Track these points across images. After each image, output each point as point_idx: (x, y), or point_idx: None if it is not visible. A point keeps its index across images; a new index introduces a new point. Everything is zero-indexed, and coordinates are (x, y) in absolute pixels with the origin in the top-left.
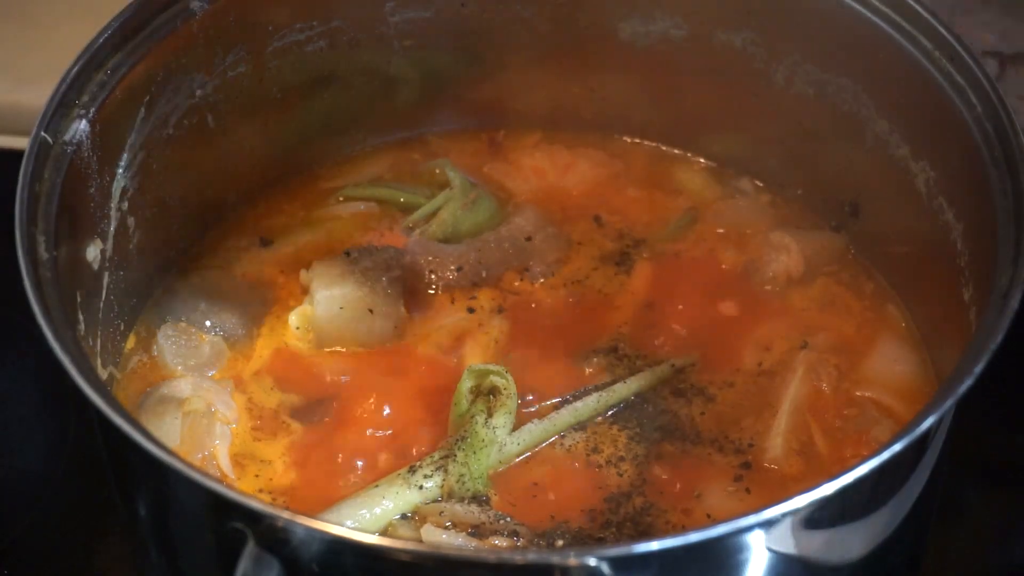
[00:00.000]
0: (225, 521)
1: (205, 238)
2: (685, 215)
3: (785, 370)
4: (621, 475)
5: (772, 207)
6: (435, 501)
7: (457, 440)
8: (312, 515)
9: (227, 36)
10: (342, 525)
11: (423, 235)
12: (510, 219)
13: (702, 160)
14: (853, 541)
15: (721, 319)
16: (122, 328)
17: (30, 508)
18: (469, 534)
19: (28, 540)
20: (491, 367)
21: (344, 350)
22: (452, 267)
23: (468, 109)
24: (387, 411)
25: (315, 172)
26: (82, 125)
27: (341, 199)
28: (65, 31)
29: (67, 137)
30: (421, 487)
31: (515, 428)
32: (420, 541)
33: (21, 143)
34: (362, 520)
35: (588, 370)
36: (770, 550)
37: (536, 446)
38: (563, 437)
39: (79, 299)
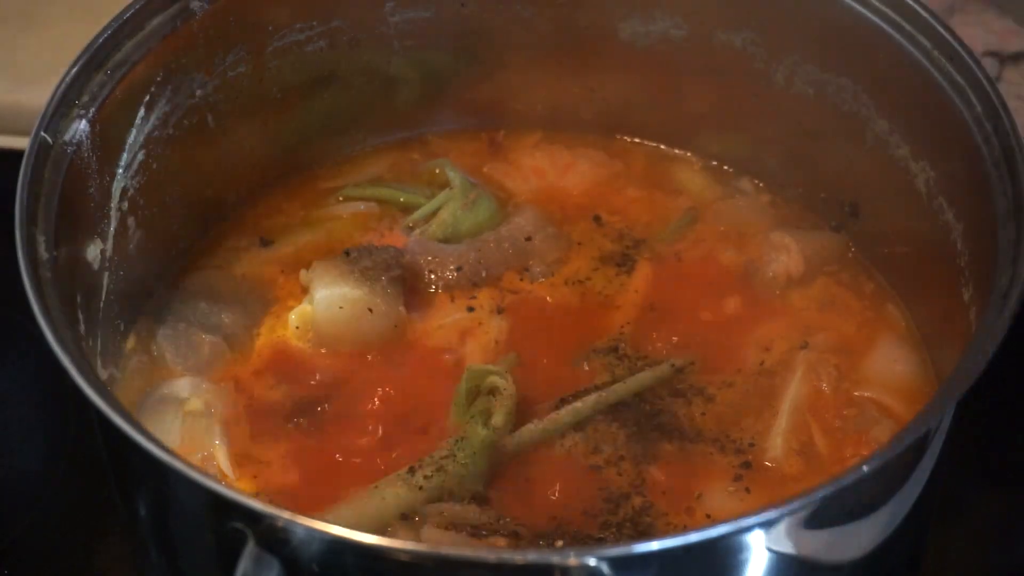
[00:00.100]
0: (225, 521)
1: (205, 238)
2: (685, 215)
3: (785, 370)
4: (621, 475)
5: (772, 207)
6: (435, 501)
7: (457, 440)
8: (312, 515)
9: (227, 36)
10: (342, 525)
11: (423, 235)
12: (510, 219)
13: (702, 160)
14: (853, 541)
15: (721, 319)
16: (122, 328)
17: (30, 508)
18: (469, 534)
19: (28, 540)
20: (491, 367)
21: (344, 350)
22: (452, 267)
23: (468, 109)
24: (386, 411)
25: (315, 172)
26: (82, 125)
27: (341, 199)
28: (65, 31)
29: (67, 137)
30: (421, 487)
31: (515, 428)
32: (420, 541)
33: (21, 143)
34: (362, 520)
35: (588, 370)
36: (770, 550)
37: (536, 446)
38: (563, 437)
39: (79, 299)
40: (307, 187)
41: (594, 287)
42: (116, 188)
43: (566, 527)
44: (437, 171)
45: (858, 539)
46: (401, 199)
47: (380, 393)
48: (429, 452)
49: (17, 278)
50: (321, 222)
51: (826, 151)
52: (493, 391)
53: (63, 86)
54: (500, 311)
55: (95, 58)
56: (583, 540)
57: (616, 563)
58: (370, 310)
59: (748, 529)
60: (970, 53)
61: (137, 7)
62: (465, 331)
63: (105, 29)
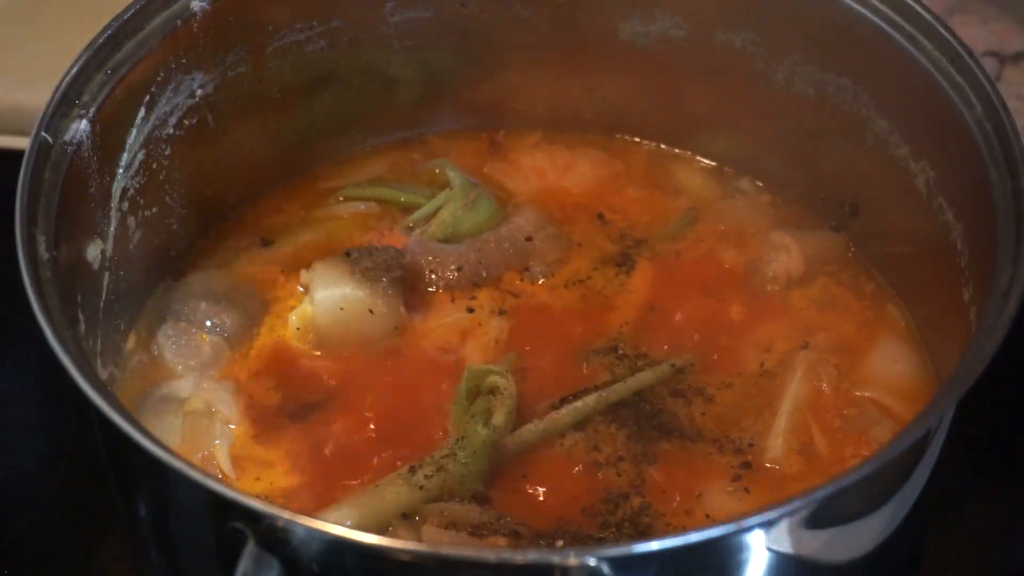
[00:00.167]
0: (225, 521)
1: (205, 238)
2: (685, 215)
3: (785, 370)
4: (621, 475)
5: (772, 207)
6: (435, 501)
7: (457, 440)
8: (312, 515)
9: (227, 36)
10: (342, 525)
11: (423, 235)
12: (510, 219)
13: (702, 160)
14: (853, 541)
15: (721, 319)
16: (122, 328)
17: (30, 508)
18: (469, 534)
19: (28, 540)
20: (491, 367)
21: (344, 350)
22: (452, 267)
23: (468, 109)
24: (386, 411)
25: (315, 172)
26: (82, 125)
27: (341, 199)
28: (65, 31)
29: (67, 137)
30: (421, 487)
31: (515, 428)
32: (420, 541)
33: (21, 143)
34: (362, 520)
35: (588, 370)
36: (770, 550)
37: (536, 446)
38: (563, 437)
39: (79, 299)
40: (307, 187)
41: (594, 287)
42: (116, 188)
43: (566, 527)
44: (437, 171)
45: (858, 539)
46: (401, 199)
47: (380, 393)
48: (429, 452)
49: (17, 278)
50: (321, 222)
51: (826, 151)
52: (493, 391)
53: (63, 86)
54: (500, 311)
55: (95, 58)
56: (583, 540)
57: (616, 563)
58: (370, 311)
59: (748, 529)
60: (970, 53)
61: (137, 7)
62: (465, 331)
63: (105, 29)
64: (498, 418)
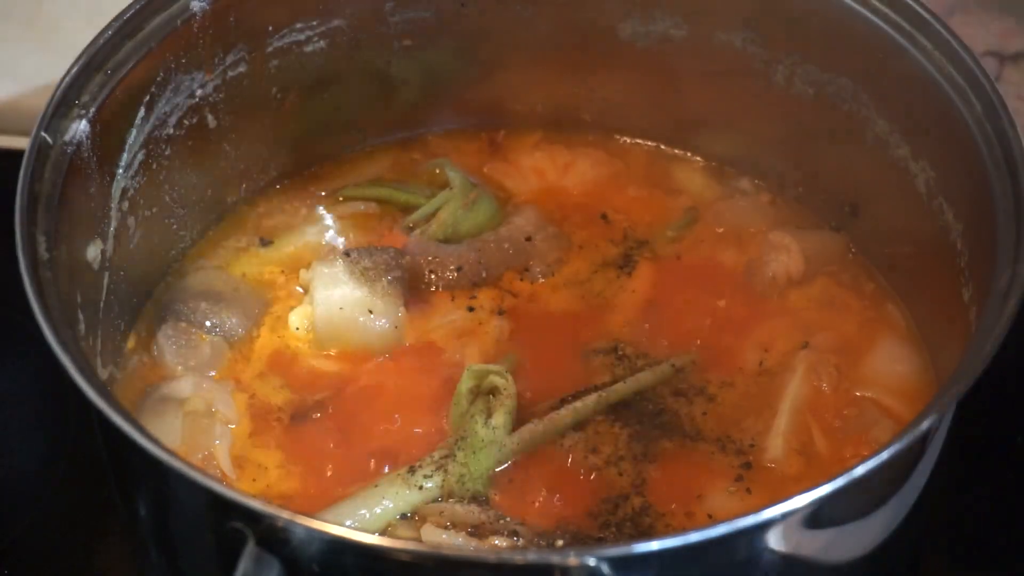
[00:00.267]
0: (225, 521)
1: (205, 238)
2: (685, 215)
3: (785, 370)
4: (621, 475)
5: (772, 207)
6: (435, 501)
7: (457, 440)
8: (312, 515)
9: (227, 36)
10: (342, 525)
11: (423, 235)
12: (510, 219)
13: (702, 160)
14: (853, 541)
15: (721, 319)
16: (122, 328)
17: (30, 508)
18: (469, 534)
19: (28, 540)
20: (491, 367)
21: (344, 350)
22: (452, 267)
23: (468, 109)
24: (387, 411)
25: (315, 172)
26: (82, 125)
27: (341, 199)
28: (65, 31)
29: (67, 137)
30: (421, 487)
31: (515, 428)
32: (420, 541)
33: (21, 143)
34: (362, 520)
35: (588, 370)
36: (770, 550)
37: (536, 446)
38: (563, 437)
39: (79, 299)
40: (307, 187)
41: (594, 287)
42: (116, 188)
43: (566, 527)
44: (437, 171)
45: (858, 539)
46: (401, 199)
47: (380, 393)
48: (429, 452)
49: (17, 278)
50: (321, 222)
51: (826, 151)
52: (493, 391)
53: (63, 86)
54: (500, 311)
55: (95, 58)
56: (583, 540)
57: (616, 563)
58: (370, 311)
59: (748, 529)
60: (970, 53)
61: (137, 7)
62: (465, 331)
63: (105, 29)
64: (498, 418)
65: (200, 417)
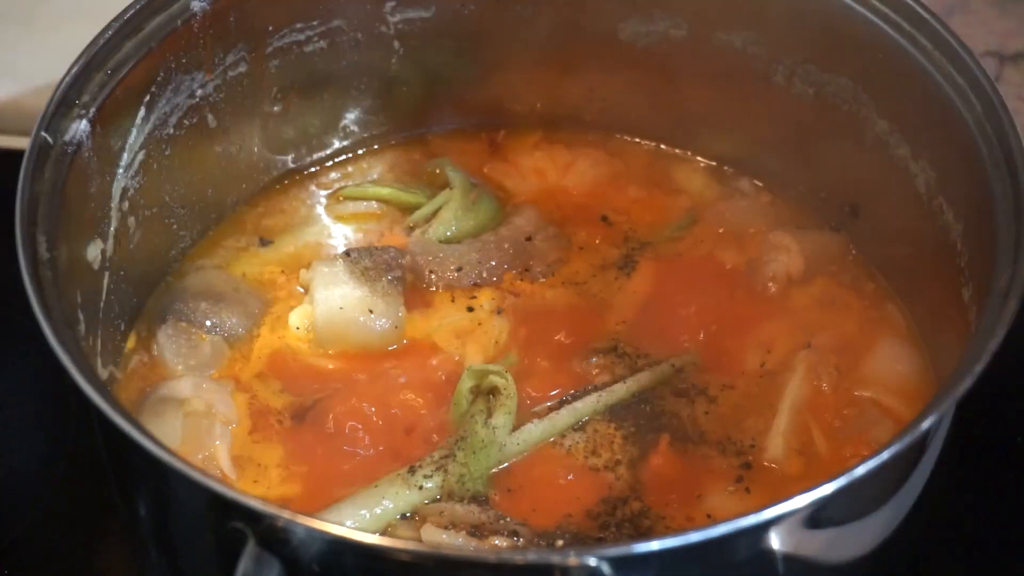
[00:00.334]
0: (225, 521)
1: (205, 238)
2: (685, 215)
3: (785, 370)
4: (621, 475)
5: (772, 207)
6: (435, 501)
7: (457, 440)
8: (312, 515)
9: (227, 36)
10: (342, 525)
11: (423, 235)
12: (510, 219)
13: (702, 160)
14: (853, 541)
15: (721, 319)
16: (122, 328)
17: (30, 508)
18: (469, 534)
19: (28, 540)
20: (491, 367)
21: (344, 350)
22: (452, 267)
23: (468, 109)
24: (387, 411)
25: (315, 172)
26: (82, 125)
27: (341, 199)
28: (65, 31)
29: (67, 137)
30: (421, 487)
31: (515, 428)
32: (420, 541)
33: (21, 143)
34: (362, 520)
35: (588, 370)
36: (770, 550)
37: (536, 446)
38: (563, 437)
39: (79, 299)
40: (307, 187)
41: (594, 287)
42: (116, 188)
43: (566, 527)
44: (437, 171)
45: (858, 539)
46: (401, 199)
47: (380, 393)
48: (429, 452)
49: (17, 278)
50: (321, 222)
51: (826, 151)
52: (493, 391)
53: (63, 86)
54: (500, 311)
55: (95, 58)
56: (583, 540)
57: (616, 563)
58: (370, 310)
59: (748, 529)
60: (970, 53)
61: (137, 7)
62: (465, 331)
63: (105, 29)
64: (498, 418)
65: (200, 417)
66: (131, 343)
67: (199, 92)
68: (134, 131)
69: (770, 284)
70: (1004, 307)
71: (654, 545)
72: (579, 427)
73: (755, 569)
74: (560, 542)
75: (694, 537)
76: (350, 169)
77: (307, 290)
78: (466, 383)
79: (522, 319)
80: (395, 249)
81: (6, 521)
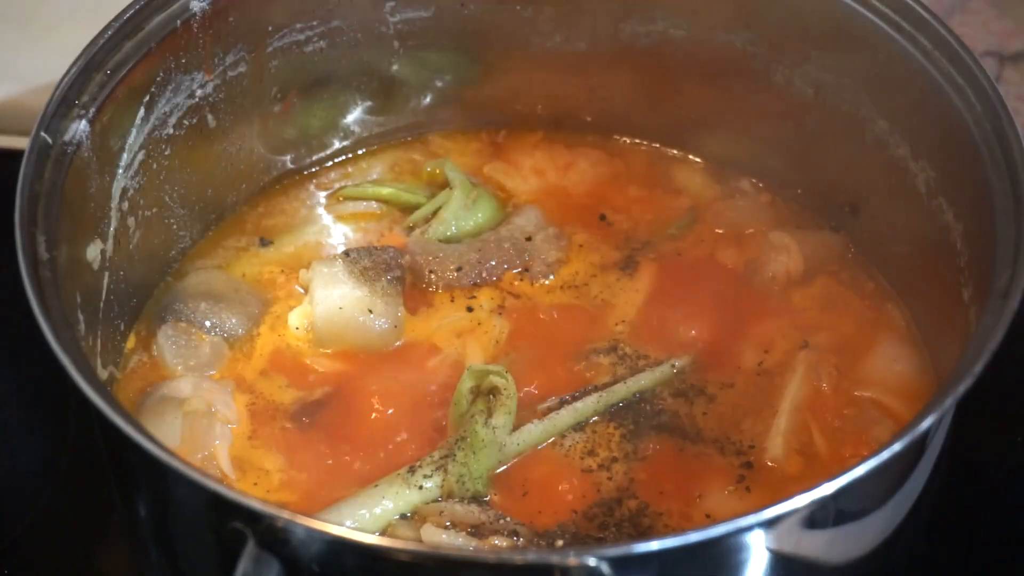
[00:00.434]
0: (225, 521)
1: (205, 238)
2: (685, 215)
3: (785, 370)
4: (620, 475)
5: (772, 207)
6: (435, 501)
7: (457, 440)
8: (312, 515)
9: (227, 36)
10: (342, 525)
11: (423, 235)
12: (510, 219)
13: (702, 160)
14: (853, 541)
15: (721, 319)
16: (122, 328)
17: (30, 508)
18: (469, 534)
19: (28, 540)
20: (491, 367)
21: (344, 350)
22: (452, 267)
23: (468, 109)
24: (387, 411)
25: (315, 172)
26: (82, 125)
27: (341, 199)
28: (65, 32)
29: (67, 137)
30: (421, 487)
31: (515, 428)
32: (420, 541)
33: (21, 143)
34: (362, 520)
35: (588, 370)
36: (770, 550)
37: (536, 446)
38: (563, 437)
39: (79, 299)
40: (307, 187)
41: (594, 287)
42: (116, 188)
43: (566, 527)
44: (437, 171)
45: (858, 539)
46: (401, 199)
47: (380, 393)
48: (429, 452)
49: (17, 278)
50: (321, 222)
51: (826, 151)
52: (493, 391)
53: (63, 86)
54: (500, 311)
55: (95, 58)
56: (583, 540)
57: (616, 563)
58: (370, 310)
59: (748, 529)
60: (970, 53)
61: (137, 7)
62: (465, 331)
63: (105, 29)
64: (498, 418)
65: (200, 417)
66: (131, 343)
67: (199, 92)
68: (134, 131)
69: (770, 284)
70: (1004, 307)
71: (654, 545)
72: (579, 427)
73: (755, 569)
74: (560, 542)
75: (694, 537)
76: (350, 169)
77: (307, 290)
78: (466, 383)
79: (522, 319)
80: (395, 249)
81: (6, 521)
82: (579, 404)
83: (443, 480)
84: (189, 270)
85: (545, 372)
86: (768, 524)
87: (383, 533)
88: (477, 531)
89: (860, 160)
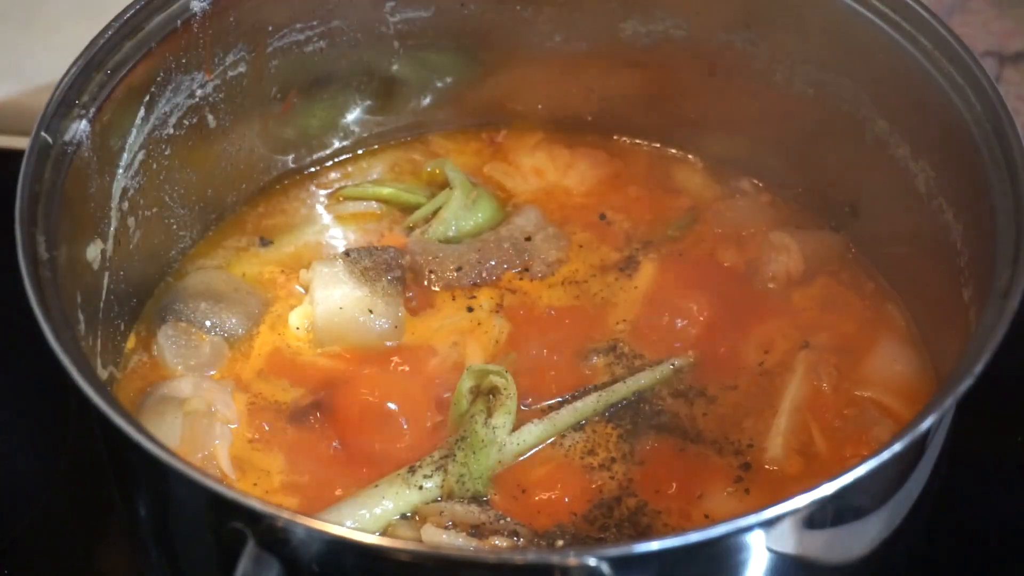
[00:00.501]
0: (225, 521)
1: (205, 238)
2: (685, 215)
3: (785, 370)
4: (620, 475)
5: (772, 207)
6: (435, 501)
7: (457, 440)
8: (312, 515)
9: (227, 36)
10: (342, 525)
11: (423, 235)
12: (510, 219)
13: (702, 160)
14: (853, 541)
15: (721, 319)
16: (122, 328)
17: (30, 508)
18: (469, 534)
19: (28, 540)
20: (491, 367)
21: (344, 350)
22: (452, 267)
23: (468, 109)
24: (386, 411)
25: (315, 172)
26: (82, 125)
27: (341, 199)
28: (65, 32)
29: (67, 137)
30: (421, 487)
31: (515, 428)
32: (420, 541)
33: (21, 143)
34: (362, 520)
35: (588, 370)
36: (770, 550)
37: (536, 446)
38: (563, 437)
39: (79, 299)
40: (307, 187)
41: (594, 287)
42: (116, 188)
43: (566, 527)
44: (437, 171)
45: (858, 539)
46: (401, 199)
47: (380, 393)
48: (429, 452)
49: (17, 278)
50: (321, 222)
51: (826, 151)
52: (493, 391)
53: (63, 86)
54: (500, 311)
55: (95, 58)
56: (583, 540)
57: (616, 563)
58: (370, 310)
59: (748, 529)
60: (970, 53)
61: (137, 7)
62: (465, 331)
63: (105, 29)
64: (498, 418)
65: (200, 417)
66: (131, 343)
67: (199, 92)
68: (134, 131)
69: (770, 284)
70: (1004, 307)
71: (654, 545)
72: (579, 427)
73: (755, 569)
74: (560, 542)
75: (694, 537)
76: (350, 169)
77: (307, 290)
78: (466, 383)
79: (522, 319)
80: (395, 249)
81: (6, 521)
82: (579, 404)
83: (443, 480)
84: (189, 270)
85: (545, 372)
86: (768, 524)
87: (383, 533)
88: (477, 531)
89: (860, 160)
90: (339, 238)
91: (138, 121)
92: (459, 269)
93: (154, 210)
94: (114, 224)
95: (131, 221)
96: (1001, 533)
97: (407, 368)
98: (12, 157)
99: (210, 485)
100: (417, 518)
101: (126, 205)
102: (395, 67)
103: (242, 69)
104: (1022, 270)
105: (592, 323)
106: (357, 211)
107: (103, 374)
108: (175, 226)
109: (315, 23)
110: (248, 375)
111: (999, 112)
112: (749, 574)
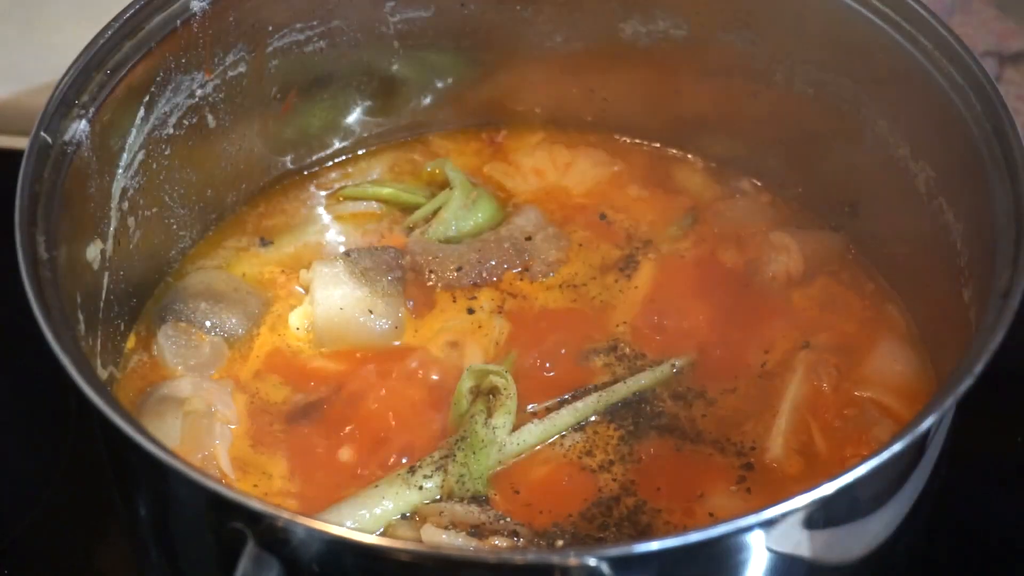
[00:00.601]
0: (225, 521)
1: (205, 238)
2: (685, 215)
3: (785, 370)
4: (620, 475)
5: (772, 207)
6: (435, 501)
7: (457, 440)
8: (312, 515)
9: (227, 36)
10: (342, 525)
11: (423, 235)
12: (510, 219)
13: (702, 160)
14: (853, 541)
15: (721, 319)
16: (122, 328)
17: (30, 508)
18: (469, 534)
19: (28, 540)
20: (491, 367)
21: (344, 350)
22: (452, 267)
23: (468, 109)
24: (387, 411)
25: (315, 172)
26: (82, 125)
27: (341, 199)
28: (65, 32)
29: (67, 137)
30: (421, 487)
31: (515, 428)
32: (420, 541)
33: (21, 143)
34: (362, 520)
35: (588, 370)
36: (770, 550)
37: (536, 446)
38: (563, 437)
39: (79, 299)
40: (307, 187)
41: (594, 287)
42: (116, 188)
43: (566, 527)
44: (437, 171)
45: (858, 539)
46: (401, 199)
47: (380, 393)
48: (429, 452)
49: (17, 278)
50: (321, 222)
51: (826, 151)
52: (493, 391)
53: (63, 86)
54: (500, 311)
55: (95, 58)
56: (583, 540)
57: (616, 563)
58: (370, 311)
59: (749, 529)
60: (970, 53)
61: (137, 7)
62: (465, 331)
63: (105, 29)
64: (498, 418)
65: (200, 417)
66: (131, 343)
67: (199, 92)
68: (134, 131)
69: (770, 284)
70: (1004, 307)
71: (654, 545)
72: (579, 427)
73: (755, 569)
74: (560, 542)
75: (694, 537)
76: (350, 169)
77: (307, 290)
78: (466, 383)
79: (522, 319)
80: (395, 249)
81: (6, 521)
82: (579, 404)
83: (443, 480)
84: (189, 270)
85: (545, 372)
86: (768, 524)
87: (383, 533)
88: (477, 531)
89: (860, 160)
90: (339, 238)
91: (138, 121)
92: (459, 269)
93: (154, 210)
94: (114, 224)
95: (131, 221)
96: (1001, 533)
97: (407, 368)
98: (12, 157)
99: (210, 485)
100: (417, 518)
101: (126, 205)
102: (395, 67)
103: (242, 69)
104: (1022, 270)
105: (592, 323)
106: (357, 211)
107: (103, 374)
108: (175, 226)
109: (315, 23)
110: (248, 375)
111: (999, 112)
112: (749, 574)
